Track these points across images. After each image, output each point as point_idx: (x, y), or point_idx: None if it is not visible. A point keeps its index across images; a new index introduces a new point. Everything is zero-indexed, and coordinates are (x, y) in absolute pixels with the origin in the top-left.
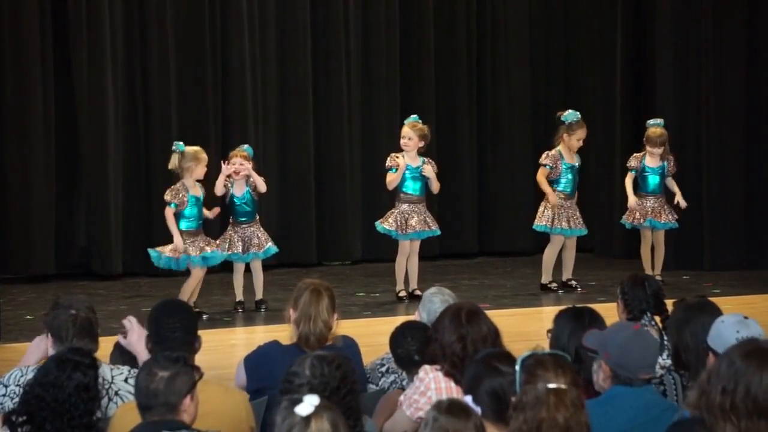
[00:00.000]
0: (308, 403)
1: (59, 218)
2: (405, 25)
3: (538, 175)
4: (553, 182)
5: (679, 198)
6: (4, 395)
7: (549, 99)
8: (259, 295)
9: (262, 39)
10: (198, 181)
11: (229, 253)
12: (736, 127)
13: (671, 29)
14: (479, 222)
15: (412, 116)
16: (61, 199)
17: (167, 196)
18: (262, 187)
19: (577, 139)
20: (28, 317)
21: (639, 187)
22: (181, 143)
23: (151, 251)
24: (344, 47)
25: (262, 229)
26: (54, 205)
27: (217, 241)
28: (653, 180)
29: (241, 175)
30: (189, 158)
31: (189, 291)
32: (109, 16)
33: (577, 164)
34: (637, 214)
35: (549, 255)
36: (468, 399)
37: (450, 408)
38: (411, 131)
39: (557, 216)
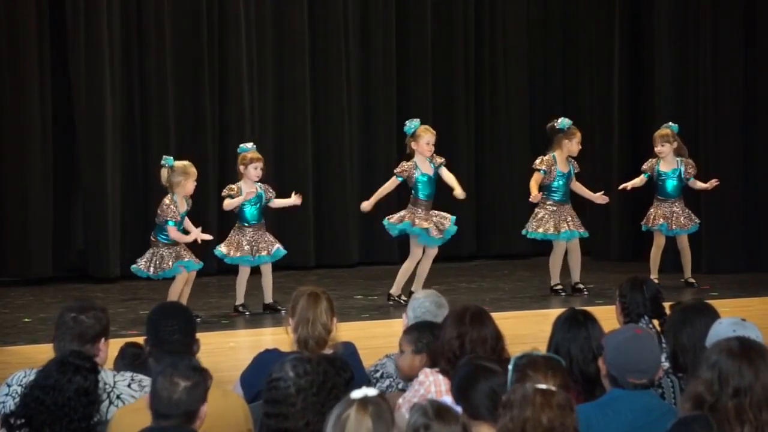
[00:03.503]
0: (363, 391)
1: (57, 221)
2: (403, 27)
3: (531, 180)
4: (544, 189)
5: (708, 185)
6: (6, 395)
7: (546, 102)
8: (268, 299)
9: (260, 41)
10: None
11: (238, 256)
12: (733, 131)
13: (669, 32)
14: (476, 225)
15: (415, 120)
16: (58, 203)
17: (168, 217)
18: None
19: (577, 142)
20: (26, 320)
21: (657, 191)
22: (170, 158)
23: (133, 267)
24: (342, 49)
25: (268, 233)
26: (51, 208)
27: (223, 244)
28: (670, 184)
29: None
30: (179, 173)
31: (176, 293)
32: (106, 18)
33: (570, 171)
34: (653, 217)
35: (552, 260)
36: (446, 399)
37: (439, 412)
38: (432, 137)
39: (552, 222)
